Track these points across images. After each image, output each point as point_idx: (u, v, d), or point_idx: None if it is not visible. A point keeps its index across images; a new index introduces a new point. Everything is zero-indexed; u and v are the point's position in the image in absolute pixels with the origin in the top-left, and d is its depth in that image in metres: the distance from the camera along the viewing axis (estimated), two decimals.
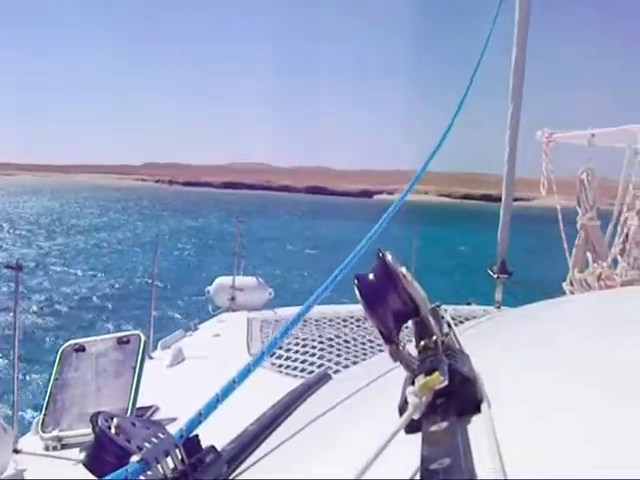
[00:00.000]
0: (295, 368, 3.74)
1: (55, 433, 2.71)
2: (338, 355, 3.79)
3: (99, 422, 1.12)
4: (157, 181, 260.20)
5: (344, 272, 2.00)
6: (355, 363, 3.55)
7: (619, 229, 3.04)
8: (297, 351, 3.99)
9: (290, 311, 5.30)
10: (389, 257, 1.12)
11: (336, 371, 3.29)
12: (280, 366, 3.80)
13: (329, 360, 3.71)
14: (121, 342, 2.76)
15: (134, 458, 1.07)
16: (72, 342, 2.92)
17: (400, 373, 1.04)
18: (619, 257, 3.05)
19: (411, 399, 0.92)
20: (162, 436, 1.20)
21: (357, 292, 1.09)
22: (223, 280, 7.04)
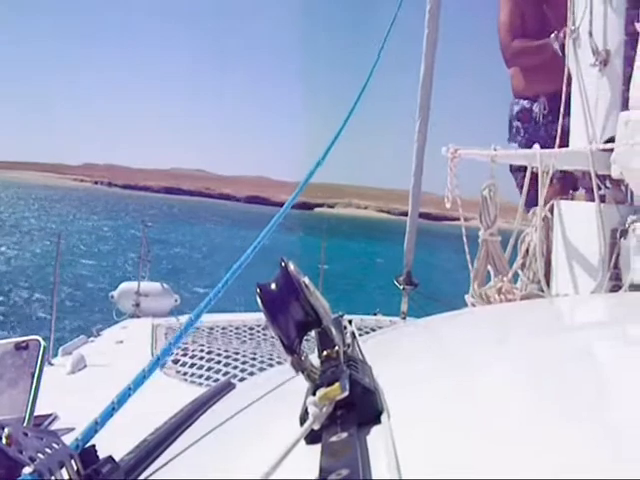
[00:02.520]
0: (200, 376, 3.71)
1: None
2: (244, 363, 3.77)
3: None
4: (96, 182, 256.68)
5: (232, 280, 2.01)
6: (261, 370, 3.57)
7: (520, 245, 3.15)
8: (202, 358, 3.96)
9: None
10: (291, 266, 1.12)
11: (242, 379, 3.31)
12: (185, 374, 3.77)
13: (235, 368, 3.71)
14: (19, 347, 2.65)
15: (26, 470, 1.03)
16: None
17: (302, 384, 1.05)
18: (520, 271, 3.16)
19: (312, 409, 0.93)
20: (56, 446, 1.17)
21: (259, 301, 1.08)
22: (128, 285, 6.92)
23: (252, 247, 2.27)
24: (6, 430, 1.09)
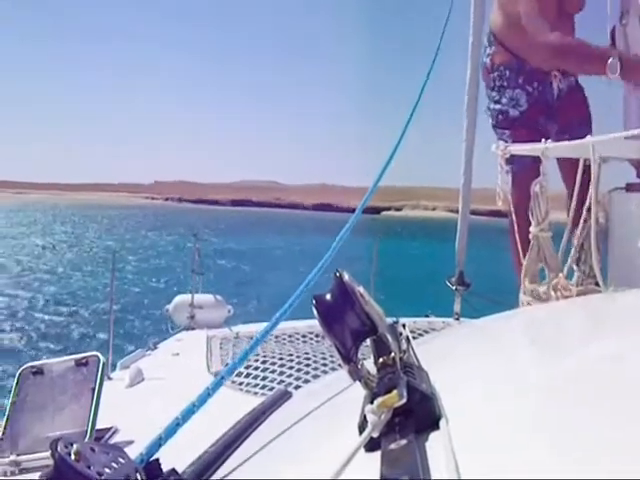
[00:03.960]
0: (255, 385, 3.71)
1: (12, 458, 2.70)
2: (298, 371, 3.78)
3: (58, 448, 1.10)
4: (166, 199, 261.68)
5: (305, 291, 2.01)
6: (316, 377, 3.57)
7: (574, 240, 3.06)
8: (257, 367, 3.97)
9: (249, 328, 5.31)
10: (346, 277, 1.14)
11: (297, 387, 3.32)
12: (240, 384, 3.77)
13: (289, 376, 3.70)
14: (79, 363, 2.75)
15: None
16: (30, 364, 2.89)
17: (359, 391, 1.06)
18: (574, 266, 3.07)
19: (370, 417, 0.94)
20: (122, 460, 1.19)
21: (315, 312, 1.10)
22: (182, 298, 7.01)
23: (325, 257, 2.29)
24: (75, 446, 1.11)
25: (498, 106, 4.19)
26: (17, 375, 2.81)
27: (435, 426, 0.92)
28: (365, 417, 0.95)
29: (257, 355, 4.15)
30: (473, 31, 4.73)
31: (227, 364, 3.94)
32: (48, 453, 1.12)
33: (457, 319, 5.08)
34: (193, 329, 6.46)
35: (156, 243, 51.02)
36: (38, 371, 2.80)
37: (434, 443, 0.86)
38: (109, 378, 4.62)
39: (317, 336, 4.61)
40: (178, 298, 7.03)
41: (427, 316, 5.16)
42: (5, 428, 2.72)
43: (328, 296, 1.13)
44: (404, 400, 0.94)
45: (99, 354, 2.80)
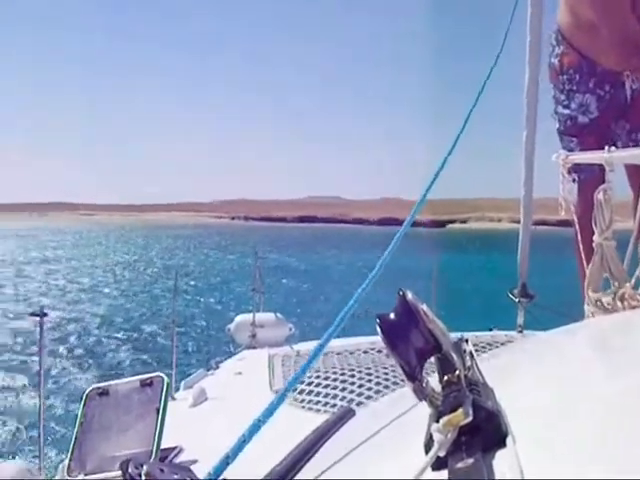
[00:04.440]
0: (318, 402, 3.68)
1: (81, 477, 2.75)
2: (360, 387, 3.72)
3: (129, 469, 1.15)
4: (233, 218, 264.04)
5: (356, 305, 2.01)
6: (378, 392, 3.53)
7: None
8: (319, 384, 3.94)
9: (310, 345, 5.29)
10: (409, 295, 1.14)
11: (359, 403, 3.33)
12: (302, 401, 3.74)
13: (351, 392, 3.66)
14: (144, 384, 2.80)
15: None
16: (96, 385, 2.95)
17: (424, 409, 1.05)
18: None
19: (436, 436, 0.94)
20: None
21: (379, 331, 1.11)
22: (243, 317, 7.07)
23: (375, 270, 2.28)
24: (145, 467, 1.15)
25: (567, 111, 4.07)
26: (84, 396, 2.85)
27: (502, 444, 0.91)
28: (431, 436, 0.95)
29: (318, 371, 4.15)
30: (530, 29, 4.55)
31: (287, 381, 3.96)
32: (116, 473, 1.17)
33: (520, 332, 5.00)
34: (254, 348, 6.49)
35: (219, 262, 51.62)
36: (104, 392, 2.84)
37: (501, 461, 0.86)
38: (173, 398, 4.67)
39: (379, 352, 4.57)
40: (239, 317, 7.11)
41: (491, 330, 5.13)
42: (73, 449, 2.77)
43: (392, 315, 1.13)
44: (470, 418, 0.94)
45: (163, 375, 2.84)
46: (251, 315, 6.87)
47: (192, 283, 34.13)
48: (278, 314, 7.11)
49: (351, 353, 4.76)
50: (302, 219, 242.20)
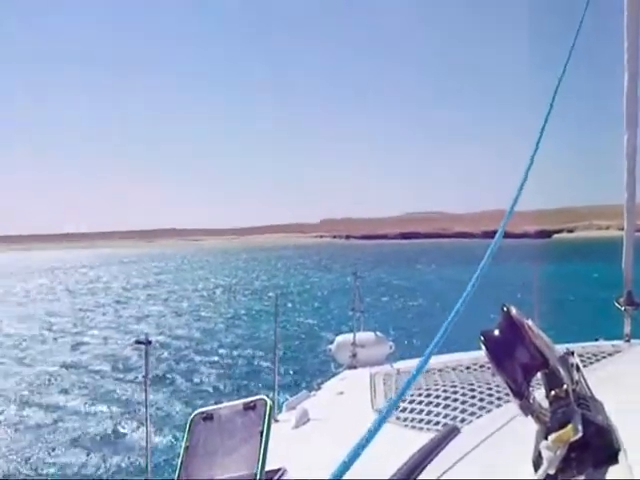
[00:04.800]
0: (421, 421, 3.58)
1: None
2: (463, 403, 3.62)
3: None
4: (334, 236, 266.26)
5: (455, 321, 1.98)
6: (482, 409, 3.42)
7: None
8: (421, 402, 3.85)
9: (412, 363, 5.17)
10: (514, 311, 1.13)
11: (462, 420, 3.25)
12: (405, 420, 3.65)
13: (455, 409, 3.55)
14: (247, 407, 2.77)
15: None
16: (200, 410, 2.93)
17: (531, 425, 1.03)
18: None
19: (545, 453, 0.92)
20: None
21: (484, 348, 1.11)
22: (344, 338, 7.02)
23: (470, 286, 2.25)
24: None
25: None
26: (189, 421, 2.88)
27: (614, 460, 0.88)
28: (540, 453, 0.94)
29: (420, 389, 4.07)
30: (627, 34, 4.41)
31: (388, 401, 3.95)
32: None
33: (628, 341, 4.79)
34: (355, 368, 6.45)
35: (318, 282, 51.82)
36: (208, 417, 2.85)
37: (614, 478, 0.84)
38: (276, 420, 4.69)
39: (481, 367, 4.46)
40: (340, 337, 7.10)
41: (597, 340, 4.91)
42: (179, 472, 2.79)
43: (496, 331, 1.13)
44: (580, 434, 0.92)
45: (266, 397, 2.80)
46: (351, 335, 6.85)
47: (289, 305, 34.29)
48: (378, 333, 7.04)
49: (453, 369, 4.68)
50: (403, 235, 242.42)
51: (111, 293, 48.17)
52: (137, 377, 18.01)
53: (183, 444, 2.78)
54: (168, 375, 18.71)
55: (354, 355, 6.64)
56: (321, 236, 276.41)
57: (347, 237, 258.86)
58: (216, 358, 21.23)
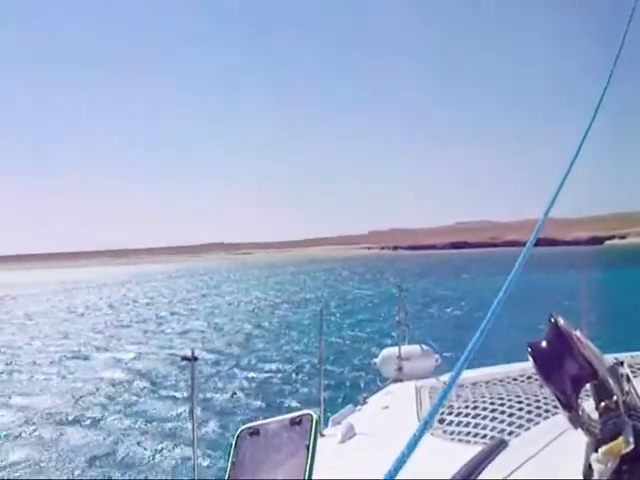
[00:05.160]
0: (468, 434, 3.57)
1: None
2: (510, 416, 3.60)
3: None
4: (382, 248, 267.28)
5: (486, 331, 1.87)
6: (530, 421, 3.39)
7: None
8: (468, 415, 3.85)
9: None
10: (561, 321, 1.13)
11: (510, 433, 3.24)
12: (452, 433, 3.66)
13: (502, 422, 3.54)
14: (294, 422, 2.75)
15: None
16: (247, 426, 2.92)
17: (581, 438, 1.00)
18: None
19: (596, 466, 0.90)
20: None
21: (531, 360, 1.11)
22: (389, 351, 7.08)
23: (502, 293, 2.15)
24: None
25: None
26: (235, 436, 2.88)
27: None
28: (590, 466, 0.93)
29: (467, 402, 4.10)
30: None
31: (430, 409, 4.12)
32: None
33: None
34: (401, 381, 6.48)
35: (365, 294, 51.74)
36: (254, 432, 2.87)
37: None
38: (322, 435, 4.70)
39: (529, 378, 4.46)
40: (385, 351, 7.15)
41: None
42: None
43: (544, 343, 1.14)
44: (631, 446, 0.90)
45: (312, 412, 2.78)
46: (397, 348, 6.90)
47: (333, 319, 34.08)
48: (424, 345, 7.08)
49: (500, 381, 4.66)
50: (451, 245, 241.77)
51: (156, 308, 48.90)
52: (182, 394, 18.06)
53: (230, 459, 2.79)
54: (209, 390, 18.62)
55: (400, 368, 6.68)
56: (369, 248, 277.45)
57: (395, 248, 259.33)
58: (259, 374, 21.14)
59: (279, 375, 20.87)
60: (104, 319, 42.13)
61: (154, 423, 15.65)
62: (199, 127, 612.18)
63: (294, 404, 15.80)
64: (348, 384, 17.81)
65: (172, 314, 43.26)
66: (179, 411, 16.51)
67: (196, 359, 4.21)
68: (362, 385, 15.85)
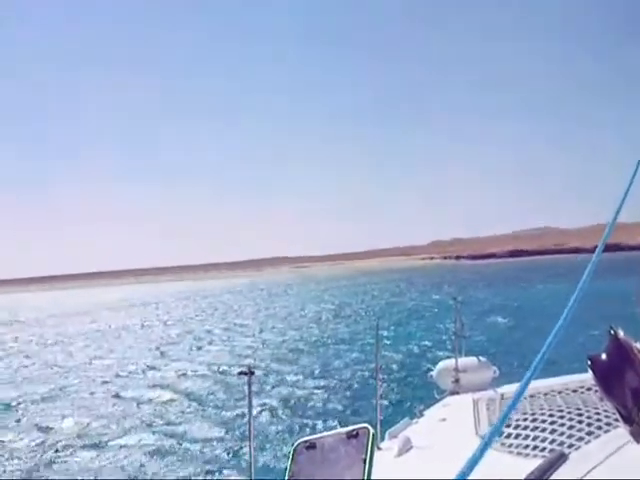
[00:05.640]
0: (527, 447, 3.49)
1: None
2: (570, 428, 3.49)
3: None
4: (444, 258, 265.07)
5: (554, 342, 1.89)
6: (591, 434, 3.23)
7: None
8: (527, 427, 3.76)
9: (516, 388, 4.99)
10: (621, 334, 1.28)
11: (570, 446, 3.13)
12: (510, 446, 3.59)
13: (561, 434, 3.43)
14: (350, 436, 2.76)
15: None
16: (303, 440, 2.96)
17: None
18: None
19: None
20: None
21: (591, 374, 1.30)
22: (446, 363, 7.03)
23: (570, 304, 2.05)
24: None
25: None
26: (292, 450, 2.89)
27: None
28: None
29: (526, 414, 4.02)
30: None
31: (491, 426, 3.96)
32: None
33: None
34: (458, 393, 6.46)
35: (421, 305, 51.38)
36: (311, 446, 2.87)
37: None
38: (378, 448, 4.69)
39: (588, 390, 4.37)
40: (442, 363, 7.12)
41: None
42: None
43: (604, 355, 1.32)
44: None
45: (369, 426, 2.80)
46: (453, 360, 6.85)
47: (385, 333, 33.25)
48: (481, 357, 7.01)
49: (559, 393, 4.59)
50: (512, 253, 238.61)
51: (214, 322, 49.61)
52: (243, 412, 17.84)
53: (287, 473, 2.78)
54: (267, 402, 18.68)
55: (456, 380, 6.64)
56: (431, 257, 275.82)
57: (457, 257, 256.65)
58: (319, 389, 20.92)
59: (332, 387, 20.76)
60: (169, 331, 44.11)
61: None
62: (264, 143, 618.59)
63: (348, 417, 15.61)
64: (404, 397, 17.63)
65: (225, 330, 43.53)
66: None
67: (252, 373, 4.24)
68: (418, 396, 15.48)
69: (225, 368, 26.17)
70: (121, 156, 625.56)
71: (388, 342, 28.47)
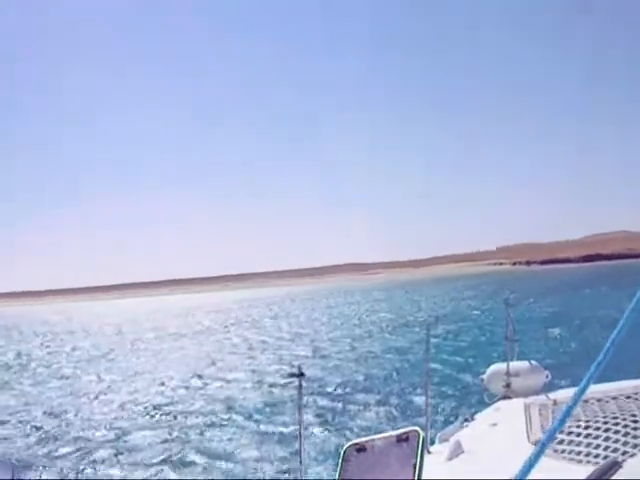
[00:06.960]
0: (579, 453, 3.40)
1: None
2: (625, 435, 3.37)
3: None
4: (514, 263, 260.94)
5: (613, 348, 1.72)
6: None
7: None
8: (579, 434, 3.65)
9: (568, 393, 4.96)
10: None
11: (624, 453, 3.16)
12: (562, 452, 3.49)
13: (616, 442, 3.33)
14: (400, 439, 2.62)
15: None
16: (353, 442, 2.78)
17: None
18: None
19: None
20: None
21: None
22: (497, 367, 6.99)
23: (626, 314, 1.83)
24: None
25: None
26: (342, 453, 2.79)
27: None
28: None
29: (579, 420, 3.95)
30: None
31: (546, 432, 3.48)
32: None
33: None
34: (509, 398, 6.40)
35: (479, 311, 50.67)
36: (361, 448, 2.78)
37: None
38: (428, 452, 4.77)
39: None
40: (493, 367, 7.12)
41: None
42: None
43: None
44: None
45: (419, 429, 2.62)
46: (505, 364, 6.87)
47: (436, 339, 31.60)
48: (533, 361, 7.00)
49: (613, 399, 4.44)
50: (586, 258, 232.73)
51: (276, 330, 49.74)
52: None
53: (336, 476, 2.72)
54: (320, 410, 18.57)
55: (508, 385, 6.67)
56: (500, 263, 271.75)
57: (528, 263, 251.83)
58: (367, 396, 20.40)
59: (380, 393, 20.51)
60: (234, 339, 44.42)
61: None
62: (326, 147, 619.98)
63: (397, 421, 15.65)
64: (454, 400, 17.54)
65: (278, 339, 43.01)
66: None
67: (303, 375, 4.14)
68: (469, 401, 15.34)
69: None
70: (176, 164, 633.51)
71: (446, 347, 28.37)
